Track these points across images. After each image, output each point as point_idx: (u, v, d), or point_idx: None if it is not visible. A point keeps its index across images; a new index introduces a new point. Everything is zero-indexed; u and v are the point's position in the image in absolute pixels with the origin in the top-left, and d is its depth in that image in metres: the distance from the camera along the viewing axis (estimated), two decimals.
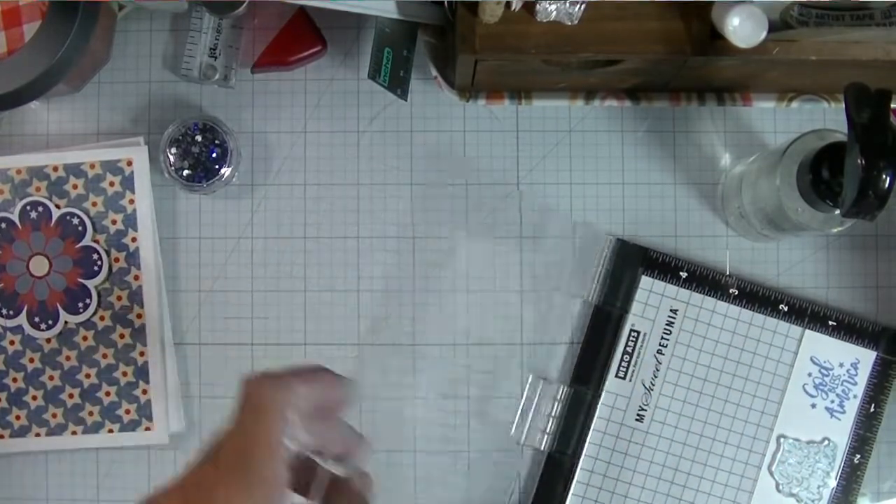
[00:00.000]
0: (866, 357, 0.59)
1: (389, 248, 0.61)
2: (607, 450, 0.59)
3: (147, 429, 0.60)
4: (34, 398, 0.60)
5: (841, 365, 0.59)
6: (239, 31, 0.61)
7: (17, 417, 0.60)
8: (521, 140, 0.61)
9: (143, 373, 0.60)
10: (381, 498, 0.44)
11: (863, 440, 0.59)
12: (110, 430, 0.60)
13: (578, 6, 0.49)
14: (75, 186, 0.60)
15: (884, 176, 0.43)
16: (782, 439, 0.59)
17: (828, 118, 0.61)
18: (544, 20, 0.50)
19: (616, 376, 0.59)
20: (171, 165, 0.59)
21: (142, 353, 0.60)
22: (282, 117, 0.62)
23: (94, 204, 0.60)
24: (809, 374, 0.59)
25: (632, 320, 0.59)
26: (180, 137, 0.59)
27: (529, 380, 0.59)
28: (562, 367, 0.60)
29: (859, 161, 0.44)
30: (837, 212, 0.49)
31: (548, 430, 0.59)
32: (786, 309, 0.59)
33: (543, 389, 0.59)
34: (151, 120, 0.62)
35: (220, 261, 0.61)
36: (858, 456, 0.58)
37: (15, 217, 0.60)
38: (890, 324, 0.60)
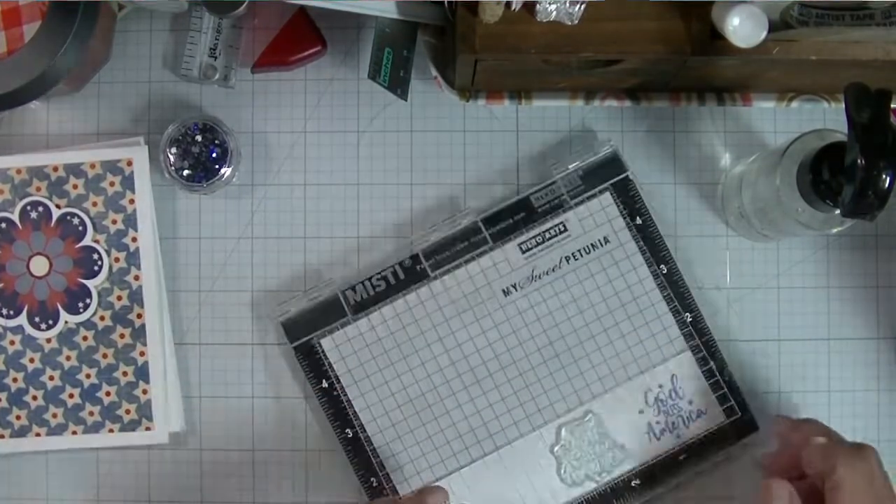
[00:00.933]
0: (714, 418, 0.58)
1: (389, 247, 0.61)
2: (460, 291, 0.59)
3: (147, 429, 0.60)
4: (34, 398, 0.60)
5: (690, 402, 0.59)
6: (239, 31, 0.61)
7: (18, 417, 0.60)
8: (521, 140, 0.61)
9: (143, 373, 0.60)
10: None
11: (651, 475, 0.58)
12: (110, 430, 0.60)
13: (578, 6, 0.49)
14: (75, 186, 0.60)
15: (884, 176, 0.44)
16: (587, 411, 0.58)
17: (828, 118, 0.61)
18: (544, 20, 0.50)
19: (519, 245, 0.59)
20: (171, 165, 0.59)
21: (142, 353, 0.60)
22: (282, 117, 0.62)
23: (95, 204, 0.60)
24: (660, 386, 0.59)
25: (569, 216, 0.59)
26: (180, 137, 0.59)
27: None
28: (486, 203, 0.61)
29: (859, 161, 0.44)
30: (837, 212, 0.49)
31: (430, 238, 0.59)
32: (690, 319, 0.59)
33: (456, 209, 0.60)
34: (151, 120, 0.62)
35: (220, 261, 0.61)
36: (638, 482, 0.58)
37: (15, 217, 0.60)
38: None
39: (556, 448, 0.58)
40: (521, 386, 0.59)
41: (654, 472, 0.58)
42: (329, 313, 0.59)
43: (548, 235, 0.59)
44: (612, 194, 0.59)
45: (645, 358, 0.59)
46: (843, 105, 0.45)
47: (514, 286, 0.59)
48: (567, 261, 0.59)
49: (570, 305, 0.59)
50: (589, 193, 0.59)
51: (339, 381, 0.59)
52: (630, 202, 0.59)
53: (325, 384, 0.59)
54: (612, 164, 0.59)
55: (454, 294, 0.59)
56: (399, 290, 0.59)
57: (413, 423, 0.59)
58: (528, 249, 0.59)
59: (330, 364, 0.59)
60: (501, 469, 0.59)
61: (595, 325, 0.59)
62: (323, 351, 0.59)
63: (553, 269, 0.59)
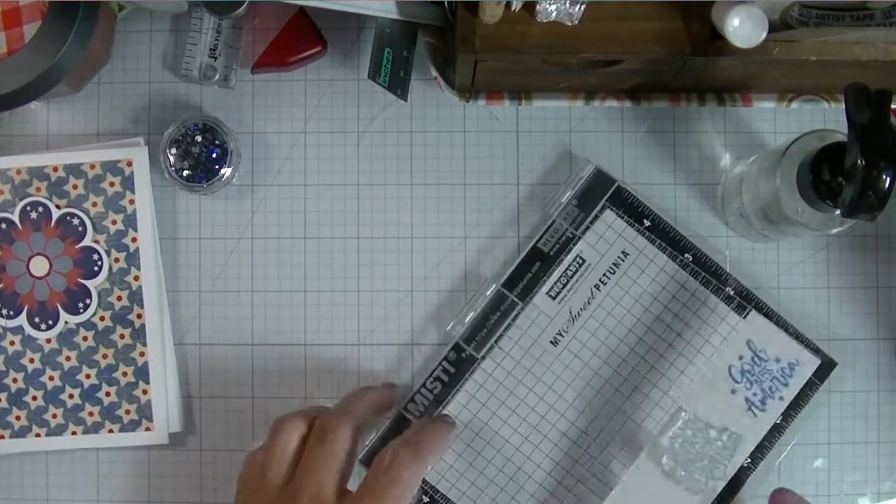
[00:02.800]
0: (809, 363, 0.57)
1: (389, 248, 0.61)
2: (512, 360, 0.59)
3: (147, 429, 0.60)
4: (34, 398, 0.60)
5: (777, 360, 0.58)
6: (239, 31, 0.61)
7: (18, 418, 0.60)
8: (521, 140, 0.61)
9: (143, 373, 0.60)
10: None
11: (760, 448, 0.57)
12: (110, 431, 0.60)
13: (579, 6, 0.49)
14: (75, 187, 0.60)
15: (884, 176, 0.43)
16: (684, 414, 0.57)
17: (828, 118, 0.61)
18: (544, 20, 0.50)
19: (547, 294, 0.59)
20: (171, 166, 0.59)
21: (142, 353, 0.60)
22: (282, 117, 0.62)
23: (95, 204, 0.60)
24: (740, 357, 0.58)
25: (582, 247, 0.59)
26: (180, 138, 0.59)
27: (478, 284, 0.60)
28: (501, 267, 0.60)
29: (859, 161, 0.44)
30: (837, 212, 0.49)
31: (465, 322, 0.59)
32: (732, 292, 0.59)
33: (475, 283, 0.60)
34: (151, 120, 0.62)
35: (220, 261, 0.61)
36: (749, 460, 0.57)
37: (15, 217, 0.60)
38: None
39: (665, 465, 0.57)
40: (607, 420, 0.58)
41: (764, 444, 0.57)
42: (400, 431, 0.58)
43: (569, 273, 0.59)
44: (611, 209, 0.59)
45: (708, 345, 0.58)
46: (843, 105, 0.45)
47: (560, 333, 0.59)
48: (598, 288, 0.59)
49: (618, 328, 0.59)
50: (591, 218, 0.59)
51: (434, 489, 0.58)
52: (632, 209, 0.59)
53: (426, 499, 0.58)
54: (601, 181, 0.59)
55: (507, 364, 0.59)
56: (455, 384, 0.59)
57: (522, 497, 0.58)
58: (557, 294, 0.59)
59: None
60: None
61: (649, 336, 0.59)
62: None
63: (588, 302, 0.59)
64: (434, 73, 0.56)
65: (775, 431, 0.57)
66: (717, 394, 0.58)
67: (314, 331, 0.61)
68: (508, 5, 0.49)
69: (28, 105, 0.56)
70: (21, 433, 0.60)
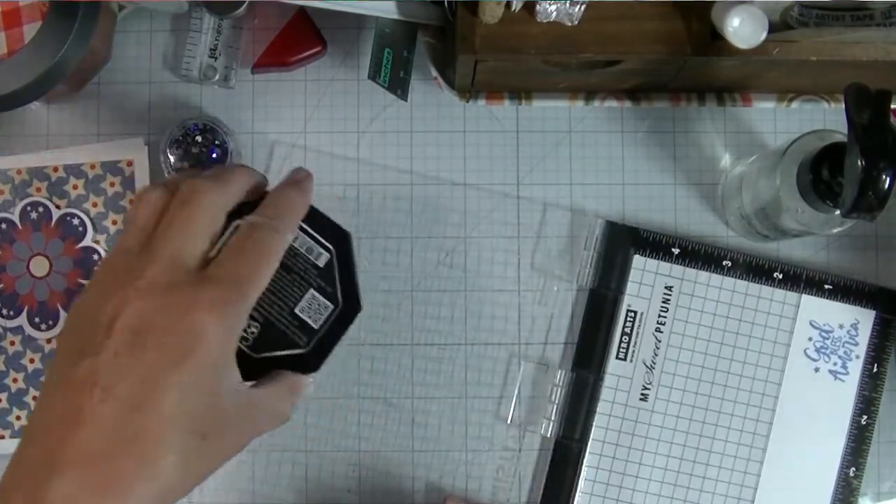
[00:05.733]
0: (865, 317, 0.59)
1: (390, 248, 0.61)
2: (614, 432, 0.59)
3: None
4: (34, 398, 0.60)
5: (841, 326, 0.59)
6: (239, 31, 0.61)
7: (18, 418, 0.60)
8: (521, 140, 0.61)
9: None
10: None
11: (868, 401, 0.59)
12: None
13: (578, 6, 0.49)
14: (75, 187, 0.60)
15: (884, 176, 0.43)
16: (784, 406, 0.59)
17: (828, 118, 0.61)
18: (544, 20, 0.50)
19: (617, 358, 0.59)
20: (171, 166, 0.59)
21: None
22: (282, 117, 0.62)
23: (95, 204, 0.60)
24: (810, 339, 0.59)
25: (628, 301, 0.59)
26: (180, 138, 0.59)
27: (522, 367, 0.60)
28: (562, 354, 0.60)
29: (859, 161, 0.44)
30: (837, 212, 0.49)
31: (552, 418, 0.59)
32: (780, 276, 0.59)
33: (544, 376, 0.59)
34: (151, 120, 0.62)
35: None
36: (865, 417, 0.59)
37: (15, 217, 0.60)
38: (887, 284, 0.60)
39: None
40: (723, 444, 0.59)
41: (869, 397, 0.59)
42: None
43: (627, 330, 0.59)
44: (637, 253, 0.59)
45: (780, 333, 0.59)
46: (843, 105, 0.45)
47: (644, 387, 0.59)
48: (659, 331, 0.59)
49: (695, 357, 0.59)
50: (620, 269, 0.59)
51: None
52: (657, 245, 0.60)
53: None
54: (617, 232, 0.60)
55: (611, 437, 0.59)
56: (574, 477, 0.59)
57: None
58: (625, 354, 0.59)
59: None
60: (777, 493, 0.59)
61: (725, 351, 0.59)
62: None
63: (657, 348, 0.59)
64: (434, 73, 0.56)
65: (875, 380, 0.59)
66: (805, 378, 0.59)
67: None
68: (508, 5, 0.49)
69: (28, 105, 0.56)
70: (21, 433, 0.60)
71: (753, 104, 0.59)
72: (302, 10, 0.60)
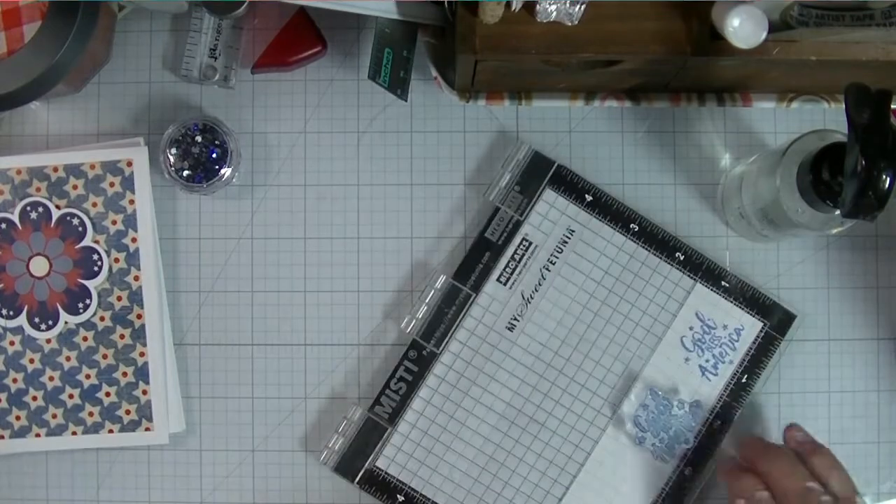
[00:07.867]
0: (752, 326, 0.59)
1: (389, 248, 0.61)
2: (471, 350, 0.59)
3: (147, 429, 0.60)
4: (34, 398, 0.60)
5: (725, 327, 0.59)
6: (239, 31, 0.61)
7: (18, 418, 0.60)
8: (520, 140, 0.61)
9: (143, 373, 0.60)
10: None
11: (727, 407, 0.59)
12: (110, 431, 0.60)
13: (578, 6, 0.49)
14: (75, 187, 0.60)
15: (884, 176, 0.43)
16: (644, 385, 0.59)
17: (828, 118, 0.61)
18: (544, 20, 0.50)
19: (498, 280, 0.59)
20: (171, 166, 0.59)
21: (142, 354, 0.60)
22: (282, 117, 0.62)
23: (95, 204, 0.60)
24: (691, 328, 0.59)
25: (527, 229, 0.59)
26: (180, 138, 0.59)
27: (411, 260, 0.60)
28: (448, 259, 0.60)
29: (859, 161, 0.44)
30: (837, 212, 0.49)
31: (418, 316, 0.59)
32: (682, 258, 0.59)
33: (423, 275, 0.60)
34: (151, 120, 0.62)
35: (220, 261, 0.61)
36: (720, 422, 0.59)
37: (15, 217, 0.60)
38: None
39: (634, 436, 0.58)
40: (571, 399, 0.59)
41: (729, 404, 0.59)
42: (370, 436, 0.59)
43: (517, 257, 0.59)
44: (552, 189, 0.60)
45: (664, 312, 0.59)
46: (843, 105, 0.45)
47: (514, 318, 0.59)
48: (547, 269, 0.59)
49: (573, 306, 0.59)
50: (533, 200, 0.59)
51: (413, 490, 0.59)
52: (572, 186, 0.60)
53: (401, 498, 0.59)
54: (539, 163, 0.60)
55: (466, 355, 0.59)
56: (418, 380, 0.59)
57: (496, 485, 0.59)
58: (507, 279, 0.59)
59: (396, 478, 0.59)
60: (598, 482, 0.58)
61: (605, 310, 0.59)
62: (384, 471, 0.59)
63: (539, 283, 0.59)
64: (434, 73, 0.56)
65: (740, 390, 0.59)
66: (673, 364, 0.59)
67: (314, 331, 0.61)
68: (508, 5, 0.49)
69: (28, 105, 0.56)
70: (21, 433, 0.60)
71: (753, 104, 0.59)
72: (302, 10, 0.60)
